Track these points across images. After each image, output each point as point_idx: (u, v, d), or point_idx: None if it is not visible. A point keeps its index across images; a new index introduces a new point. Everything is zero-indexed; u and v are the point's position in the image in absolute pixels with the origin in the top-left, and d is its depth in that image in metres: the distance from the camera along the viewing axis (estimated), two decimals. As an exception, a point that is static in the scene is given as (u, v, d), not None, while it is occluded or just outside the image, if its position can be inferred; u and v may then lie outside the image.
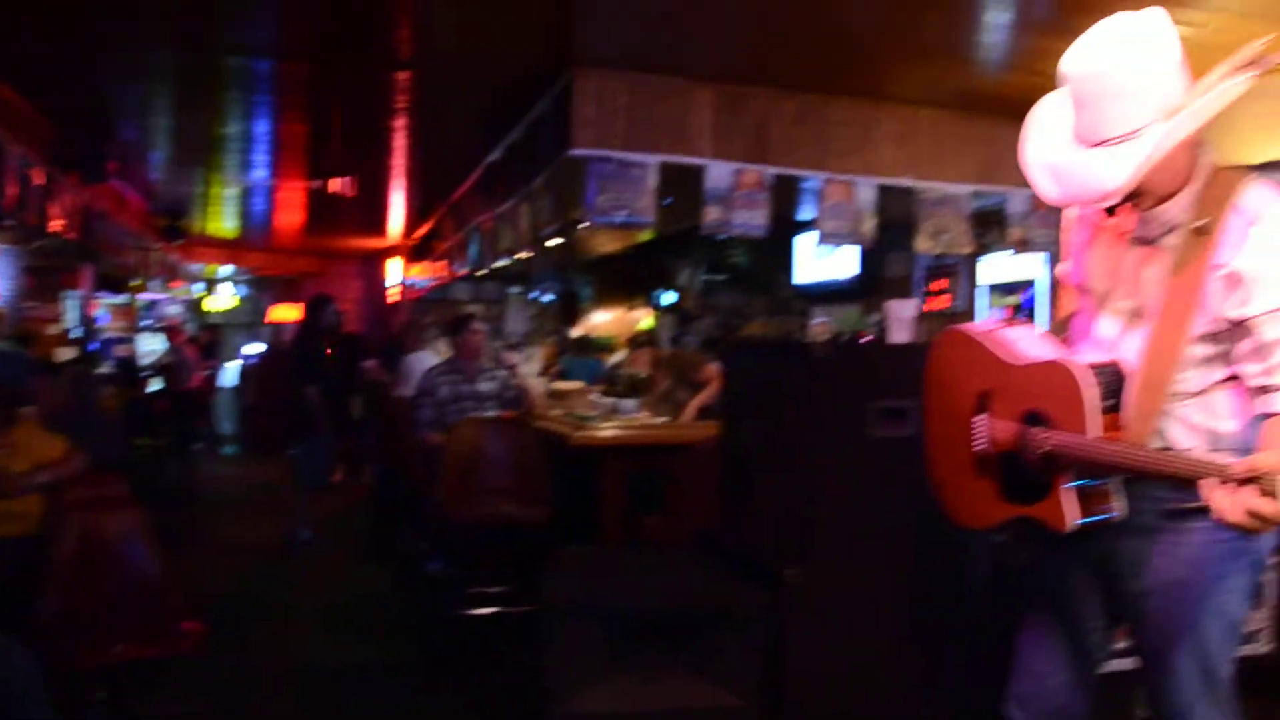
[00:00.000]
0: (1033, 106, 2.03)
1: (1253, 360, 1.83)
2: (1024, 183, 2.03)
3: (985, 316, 7.13)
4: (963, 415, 2.20)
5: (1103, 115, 1.82)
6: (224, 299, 14.96)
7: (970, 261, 7.04)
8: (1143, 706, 2.18)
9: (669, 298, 11.21)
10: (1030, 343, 2.13)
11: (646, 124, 4.70)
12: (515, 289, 13.69)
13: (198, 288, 14.32)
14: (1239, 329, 1.83)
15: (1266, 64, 1.76)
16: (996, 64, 4.52)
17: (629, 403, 5.66)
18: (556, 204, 5.19)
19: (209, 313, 14.81)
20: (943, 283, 7.69)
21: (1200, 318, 1.86)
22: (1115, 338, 2.03)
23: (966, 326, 2.30)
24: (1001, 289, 7.22)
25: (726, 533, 3.59)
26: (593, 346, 9.75)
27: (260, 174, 7.65)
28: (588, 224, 4.79)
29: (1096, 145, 1.84)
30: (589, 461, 4.87)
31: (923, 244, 5.40)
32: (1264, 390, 1.81)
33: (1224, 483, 1.57)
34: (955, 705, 3.16)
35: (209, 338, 13.12)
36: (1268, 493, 1.50)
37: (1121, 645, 2.23)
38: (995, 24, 4.06)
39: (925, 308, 7.60)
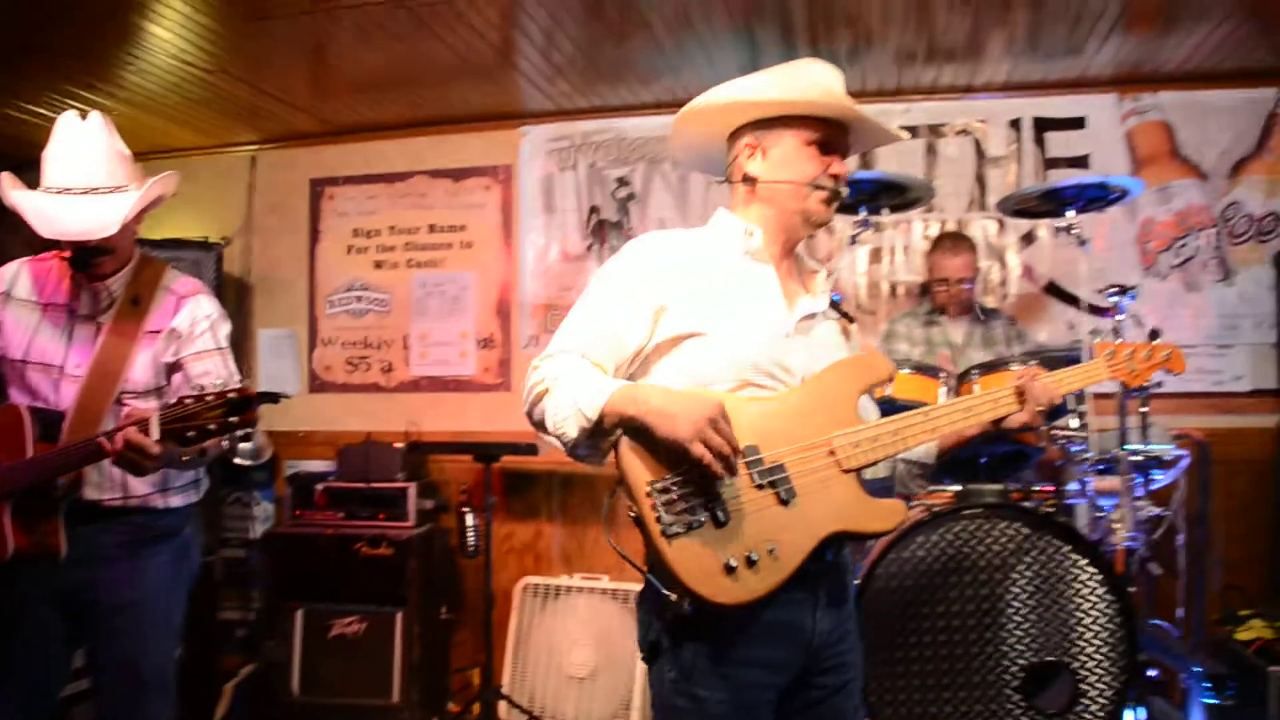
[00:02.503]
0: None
1: (185, 389, 2.34)
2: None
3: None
4: None
5: (99, 169, 2.31)
6: None
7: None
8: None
9: None
10: None
11: None
12: None
13: None
14: (174, 370, 2.42)
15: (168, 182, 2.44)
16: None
17: None
18: None
19: None
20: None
21: (133, 370, 2.37)
22: (65, 394, 2.35)
23: None
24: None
25: None
26: None
27: None
28: None
29: (85, 194, 2.29)
30: None
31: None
32: None
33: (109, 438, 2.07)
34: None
35: None
36: (143, 430, 2.05)
37: (78, 667, 2.54)
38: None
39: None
